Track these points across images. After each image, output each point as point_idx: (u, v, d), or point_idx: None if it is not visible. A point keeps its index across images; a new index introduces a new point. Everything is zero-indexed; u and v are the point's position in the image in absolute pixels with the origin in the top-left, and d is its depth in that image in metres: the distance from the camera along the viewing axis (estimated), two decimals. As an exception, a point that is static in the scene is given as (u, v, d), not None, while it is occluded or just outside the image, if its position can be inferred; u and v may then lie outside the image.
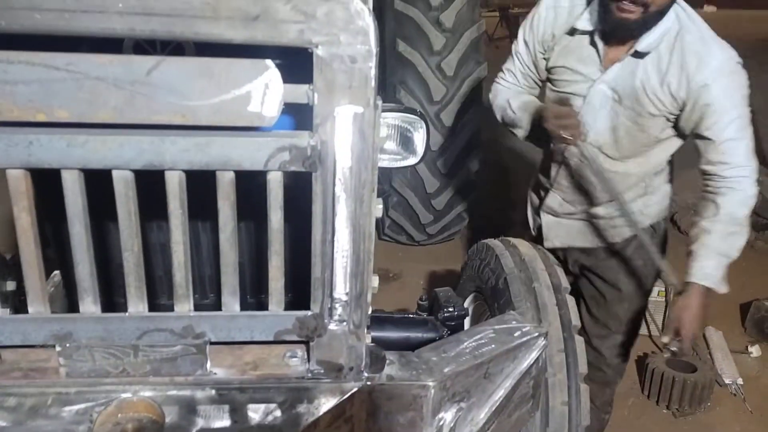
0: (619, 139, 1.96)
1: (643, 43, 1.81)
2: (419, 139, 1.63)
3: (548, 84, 2.10)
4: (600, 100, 1.92)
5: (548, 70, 2.05)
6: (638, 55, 1.84)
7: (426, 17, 3.83)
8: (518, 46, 2.09)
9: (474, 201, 4.30)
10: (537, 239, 2.27)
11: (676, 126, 1.91)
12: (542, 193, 2.26)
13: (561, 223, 2.21)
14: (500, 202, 4.87)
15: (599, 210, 2.11)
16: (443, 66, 3.83)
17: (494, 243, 1.88)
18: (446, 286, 1.77)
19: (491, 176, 4.94)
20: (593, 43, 1.90)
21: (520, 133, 2.10)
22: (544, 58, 2.03)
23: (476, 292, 1.95)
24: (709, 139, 1.82)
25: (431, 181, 4.00)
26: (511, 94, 2.12)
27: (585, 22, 1.89)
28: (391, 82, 3.91)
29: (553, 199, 2.19)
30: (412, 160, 1.66)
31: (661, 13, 1.76)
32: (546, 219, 2.24)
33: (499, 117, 2.16)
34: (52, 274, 1.35)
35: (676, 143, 1.99)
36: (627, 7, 1.71)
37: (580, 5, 1.92)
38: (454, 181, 4.08)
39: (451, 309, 1.61)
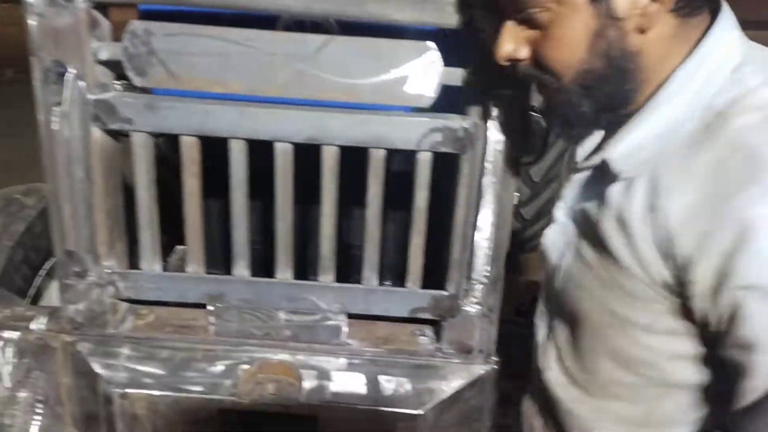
0: None
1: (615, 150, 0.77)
2: (538, 137, 1.63)
3: None
4: None
5: None
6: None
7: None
8: None
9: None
10: None
11: None
12: None
13: None
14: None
15: None
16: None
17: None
18: (536, 294, 1.74)
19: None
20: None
21: None
22: None
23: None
24: None
25: (522, 190, 3.95)
26: None
27: None
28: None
29: None
30: (528, 158, 1.66)
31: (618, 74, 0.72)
32: None
33: None
34: (179, 248, 1.43)
35: None
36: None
37: None
38: (546, 192, 4.02)
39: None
